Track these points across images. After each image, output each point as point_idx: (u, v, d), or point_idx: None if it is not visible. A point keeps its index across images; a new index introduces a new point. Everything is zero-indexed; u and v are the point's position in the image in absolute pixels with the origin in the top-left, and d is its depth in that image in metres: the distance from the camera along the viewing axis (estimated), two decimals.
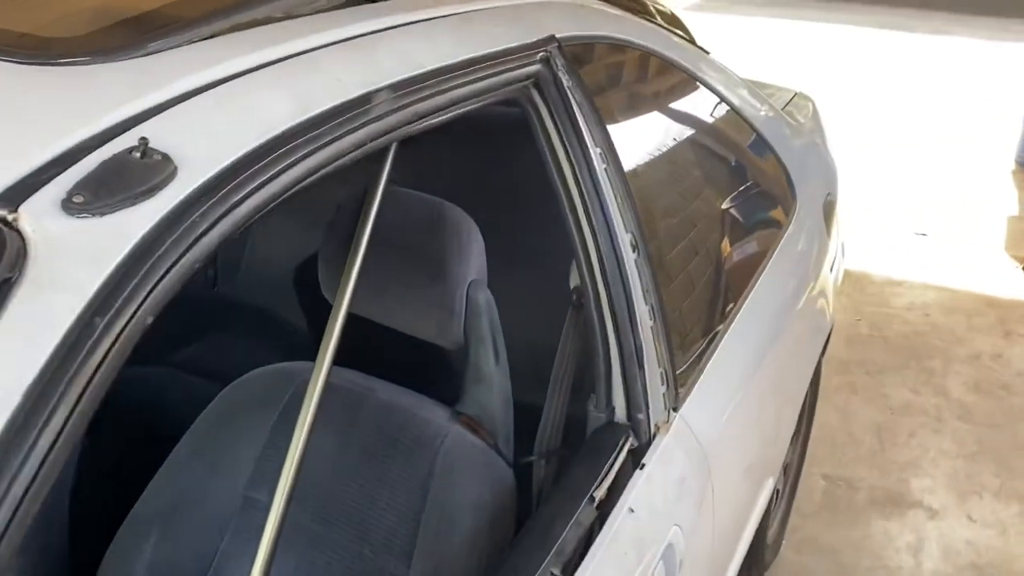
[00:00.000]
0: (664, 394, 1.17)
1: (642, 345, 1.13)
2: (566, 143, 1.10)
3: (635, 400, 1.13)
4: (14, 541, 0.50)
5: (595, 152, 1.12)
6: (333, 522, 1.21)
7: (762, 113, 1.84)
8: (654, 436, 1.15)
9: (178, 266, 0.62)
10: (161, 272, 0.61)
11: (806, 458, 2.43)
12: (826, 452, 2.65)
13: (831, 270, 2.06)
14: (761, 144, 1.77)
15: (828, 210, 2.06)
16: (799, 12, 8.89)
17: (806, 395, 1.99)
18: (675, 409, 1.19)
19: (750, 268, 1.60)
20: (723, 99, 1.64)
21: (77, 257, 0.58)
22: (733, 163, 1.77)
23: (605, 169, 1.13)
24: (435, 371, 1.39)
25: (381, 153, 1.14)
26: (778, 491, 2.15)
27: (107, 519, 1.29)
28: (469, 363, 1.22)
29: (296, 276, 2.19)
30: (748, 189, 1.73)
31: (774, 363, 1.57)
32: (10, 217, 0.58)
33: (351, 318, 1.21)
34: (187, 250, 0.63)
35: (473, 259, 1.19)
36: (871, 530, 2.36)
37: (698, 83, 1.57)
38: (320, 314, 1.37)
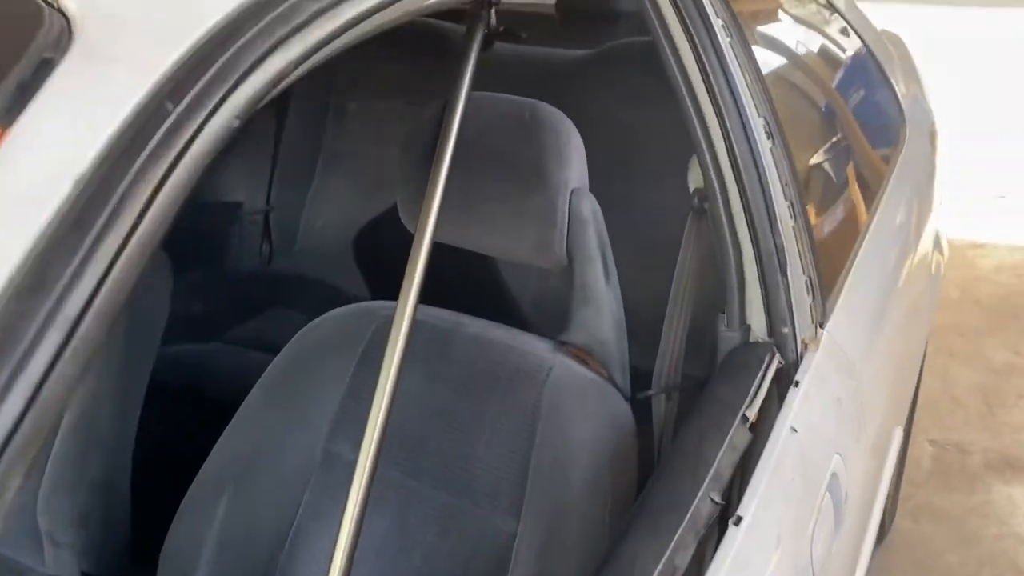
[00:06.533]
0: (811, 306, 1.00)
1: (783, 247, 0.96)
2: (682, 9, 0.94)
3: (778, 313, 0.96)
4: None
5: (717, 23, 0.96)
6: (427, 474, 1.06)
7: (870, 32, 1.67)
8: (802, 354, 0.98)
9: (267, 63, 0.47)
10: (246, 66, 0.46)
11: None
12: (930, 417, 2.45)
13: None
14: (870, 59, 1.59)
15: (933, 137, 1.88)
16: None
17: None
18: (822, 325, 1.02)
19: (872, 183, 1.43)
20: (833, 6, 1.48)
21: (138, 35, 0.43)
22: (845, 71, 1.59)
23: (730, 43, 0.97)
24: (528, 314, 1.26)
25: (460, 58, 1.00)
26: None
27: (169, 492, 1.16)
28: (575, 284, 1.07)
29: (356, 244, 2.05)
30: (860, 100, 1.56)
31: (908, 289, 1.39)
32: None
33: (433, 253, 1.06)
34: (279, 43, 0.48)
35: (574, 164, 1.04)
36: (992, 496, 2.15)
37: None
38: (384, 281, 1.23)
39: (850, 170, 1.41)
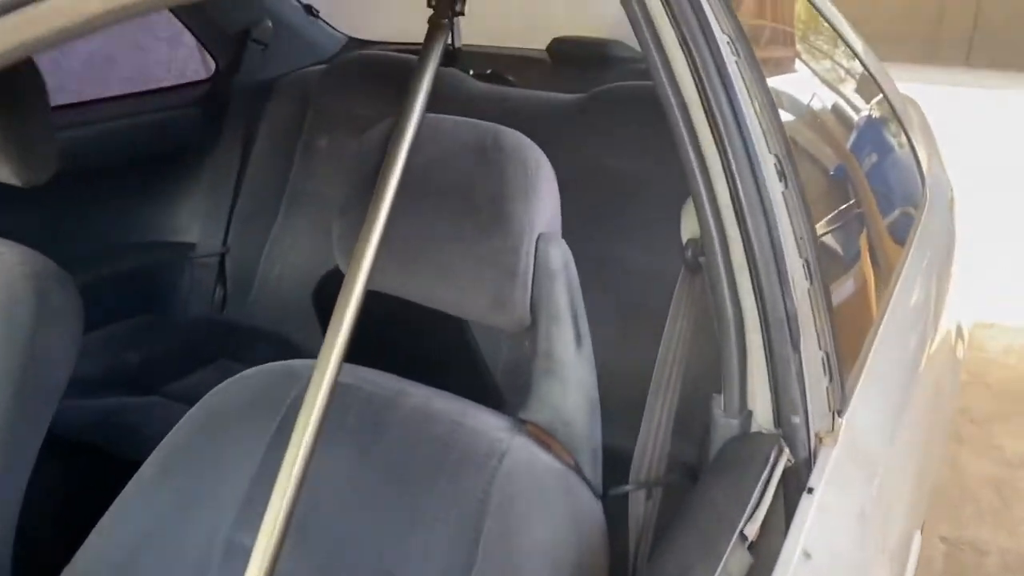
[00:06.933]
0: (828, 389, 0.80)
1: (796, 315, 0.77)
2: (679, 21, 0.77)
3: (788, 396, 0.77)
4: None
5: (722, 40, 0.79)
6: None
7: (895, 92, 1.51)
8: (816, 450, 0.78)
9: None
10: None
11: None
12: (941, 511, 2.23)
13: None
14: (894, 120, 1.43)
15: (952, 205, 1.71)
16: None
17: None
18: (840, 414, 0.83)
19: (891, 254, 1.25)
20: (859, 58, 1.31)
21: None
22: (863, 132, 1.42)
23: (736, 63, 0.79)
24: (500, 383, 1.08)
25: (416, 76, 0.84)
26: None
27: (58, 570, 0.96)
28: (538, 350, 0.87)
29: (317, 295, 1.87)
30: (878, 164, 1.39)
31: (930, 370, 1.20)
32: None
33: (369, 303, 0.89)
34: None
35: (543, 202, 0.85)
36: None
37: (838, 35, 1.25)
38: (359, 342, 1.05)
39: (863, 239, 1.24)
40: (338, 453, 0.89)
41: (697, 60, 0.77)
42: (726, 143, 0.77)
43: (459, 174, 0.87)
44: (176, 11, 1.82)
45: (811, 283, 0.80)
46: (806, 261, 0.80)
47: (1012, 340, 3.31)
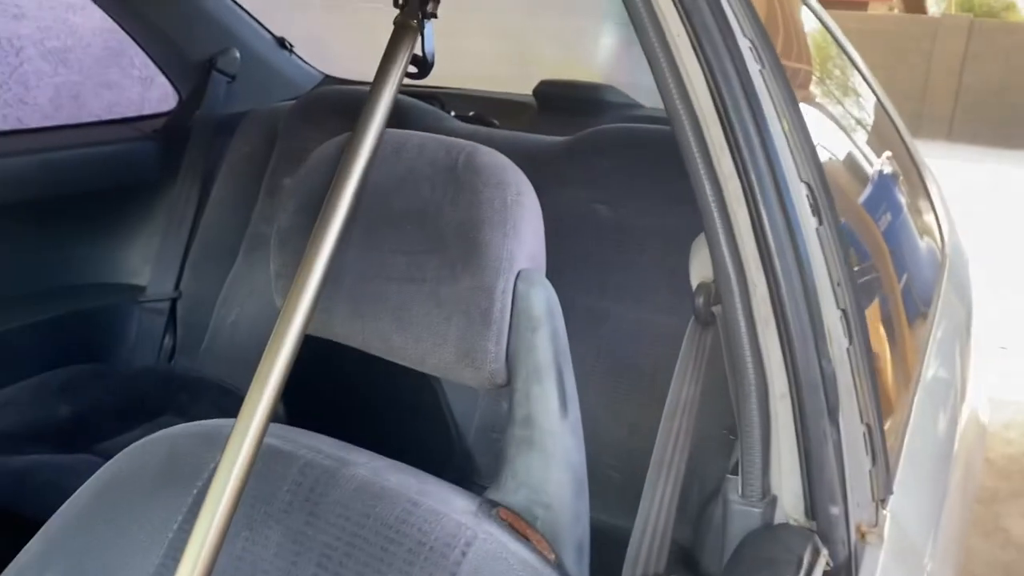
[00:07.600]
0: (871, 473, 0.65)
1: (835, 379, 0.62)
2: (691, 18, 0.63)
3: (823, 482, 0.61)
4: None
5: (744, 45, 0.66)
6: None
7: (914, 147, 1.39)
8: (858, 550, 0.62)
9: None
10: None
11: None
12: None
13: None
14: (917, 177, 1.30)
15: (967, 268, 1.58)
16: None
17: None
18: (883, 503, 0.67)
19: (914, 320, 1.10)
20: (876, 95, 1.20)
21: None
22: (879, 187, 1.28)
23: (761, 72, 0.66)
24: (473, 445, 0.93)
25: (377, 84, 0.72)
26: None
27: None
28: (515, 416, 0.72)
29: None
30: (897, 219, 1.25)
31: (962, 449, 1.05)
32: None
33: (312, 342, 0.75)
34: None
35: (525, 234, 0.70)
36: None
37: (859, 73, 1.13)
38: (305, 399, 0.90)
39: (881, 302, 1.10)
40: (264, 537, 0.73)
41: (714, 66, 0.63)
42: (749, 167, 0.63)
43: (423, 198, 0.72)
44: (135, 35, 1.69)
45: (851, 341, 0.65)
46: (844, 313, 0.65)
47: (1012, 416, 3.17)
